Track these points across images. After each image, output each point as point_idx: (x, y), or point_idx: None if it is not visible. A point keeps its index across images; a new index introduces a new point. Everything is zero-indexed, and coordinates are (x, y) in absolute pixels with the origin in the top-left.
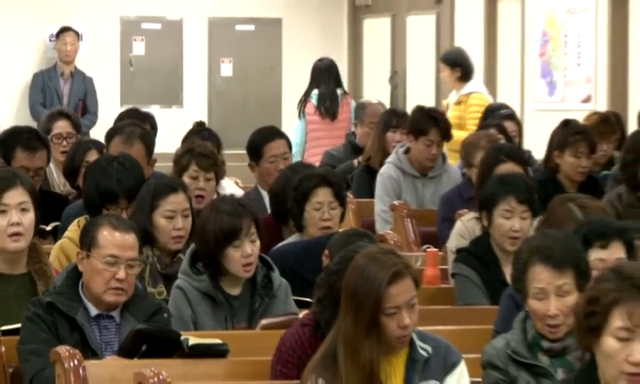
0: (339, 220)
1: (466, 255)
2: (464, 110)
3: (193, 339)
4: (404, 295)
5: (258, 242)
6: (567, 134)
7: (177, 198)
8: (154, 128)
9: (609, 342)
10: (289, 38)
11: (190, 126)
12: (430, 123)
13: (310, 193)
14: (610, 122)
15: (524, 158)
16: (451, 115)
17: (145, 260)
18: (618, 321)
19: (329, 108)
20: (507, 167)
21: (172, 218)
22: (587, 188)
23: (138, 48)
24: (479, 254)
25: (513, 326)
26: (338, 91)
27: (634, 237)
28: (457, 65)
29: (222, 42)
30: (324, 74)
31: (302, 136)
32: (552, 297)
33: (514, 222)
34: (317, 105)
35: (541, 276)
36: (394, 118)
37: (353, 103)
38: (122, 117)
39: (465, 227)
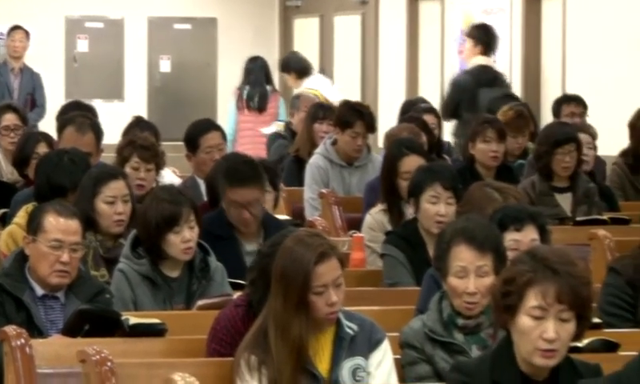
0: (273, 204)
1: (394, 237)
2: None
3: (133, 319)
4: (330, 274)
5: (196, 228)
6: (476, 124)
7: (117, 184)
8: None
9: (524, 320)
10: (224, 37)
11: (130, 120)
12: (356, 116)
13: None
14: (524, 117)
15: (425, 151)
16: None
17: (88, 244)
18: (532, 300)
19: (257, 103)
20: (410, 159)
21: (113, 204)
22: (502, 176)
23: (82, 45)
24: (407, 237)
25: (429, 306)
26: (268, 88)
27: (546, 221)
28: (290, 69)
29: (160, 40)
30: (255, 72)
31: (234, 126)
32: (472, 276)
33: (439, 207)
34: (246, 99)
35: (463, 255)
36: (320, 110)
37: (281, 99)
38: (65, 109)
39: (374, 220)
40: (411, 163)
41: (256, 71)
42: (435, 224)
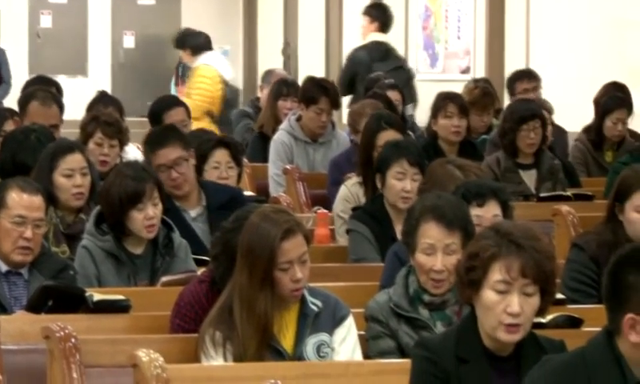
0: (236, 180)
1: (361, 213)
2: (192, 81)
3: (97, 295)
4: (296, 250)
5: (160, 205)
6: (437, 100)
7: (74, 157)
8: (60, 94)
9: (488, 295)
10: (187, 12)
11: (94, 95)
12: (320, 92)
13: (209, 154)
14: (490, 95)
15: (403, 126)
16: (186, 86)
17: (49, 221)
18: (496, 274)
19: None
20: (388, 134)
21: (71, 176)
22: (466, 153)
23: (46, 21)
24: (373, 213)
25: (395, 281)
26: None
27: (508, 197)
28: (185, 45)
29: (124, 16)
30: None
31: None
32: (439, 253)
33: (405, 183)
34: (180, 75)
35: (432, 232)
36: (284, 87)
37: None
38: (29, 84)
39: (349, 192)
40: (389, 137)
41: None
42: (401, 200)
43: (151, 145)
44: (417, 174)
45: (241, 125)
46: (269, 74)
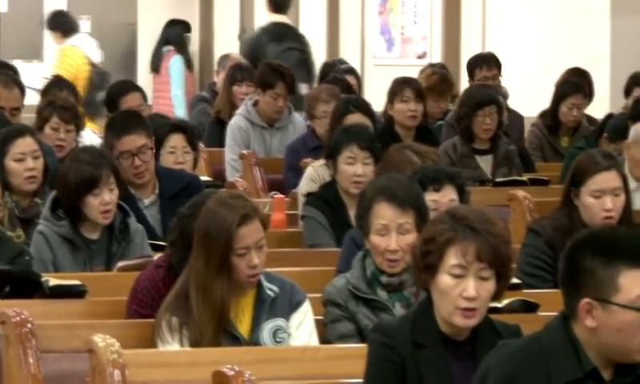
0: (192, 165)
1: (314, 199)
2: (56, 61)
3: (53, 280)
4: (253, 236)
5: (116, 191)
6: (393, 85)
7: (24, 141)
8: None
9: (444, 279)
10: None
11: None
12: (277, 77)
13: (165, 138)
14: (448, 81)
15: (371, 109)
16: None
17: (4, 205)
18: (452, 259)
19: (151, 65)
20: (355, 117)
21: (22, 160)
22: (422, 138)
23: (1, 5)
24: (327, 199)
25: (352, 264)
26: (164, 49)
27: (464, 181)
28: (56, 27)
29: (80, 0)
30: (161, 35)
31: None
32: (393, 233)
33: (356, 168)
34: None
35: (384, 213)
36: (238, 72)
37: (173, 58)
38: None
39: (316, 173)
40: (355, 120)
41: (161, 34)
42: (353, 184)
43: (115, 131)
44: (367, 158)
45: (197, 109)
46: (225, 58)
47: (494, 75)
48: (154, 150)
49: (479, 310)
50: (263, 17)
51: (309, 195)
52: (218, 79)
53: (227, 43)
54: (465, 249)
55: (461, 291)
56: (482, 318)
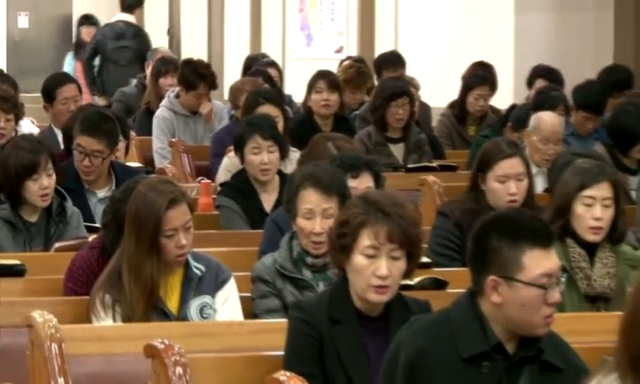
0: (124, 152)
1: (227, 188)
2: None
3: None
4: (180, 218)
5: (54, 176)
6: (311, 79)
7: None
8: None
9: (358, 259)
10: None
11: None
12: (199, 79)
13: None
14: (364, 74)
15: (280, 100)
16: None
17: None
18: (365, 240)
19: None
20: (265, 108)
21: None
22: (340, 127)
23: None
24: (239, 187)
25: (280, 245)
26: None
27: (380, 169)
28: None
29: None
30: None
31: None
32: (318, 217)
33: (262, 156)
34: None
35: (310, 198)
36: (163, 65)
37: (68, 55)
38: None
39: (231, 162)
40: (266, 111)
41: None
42: (260, 172)
43: (82, 126)
44: (271, 146)
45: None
46: (154, 52)
47: (401, 74)
48: (113, 156)
49: (391, 287)
50: (190, 15)
51: (222, 185)
52: (148, 71)
53: (157, 39)
54: (377, 231)
55: (374, 270)
56: (393, 294)
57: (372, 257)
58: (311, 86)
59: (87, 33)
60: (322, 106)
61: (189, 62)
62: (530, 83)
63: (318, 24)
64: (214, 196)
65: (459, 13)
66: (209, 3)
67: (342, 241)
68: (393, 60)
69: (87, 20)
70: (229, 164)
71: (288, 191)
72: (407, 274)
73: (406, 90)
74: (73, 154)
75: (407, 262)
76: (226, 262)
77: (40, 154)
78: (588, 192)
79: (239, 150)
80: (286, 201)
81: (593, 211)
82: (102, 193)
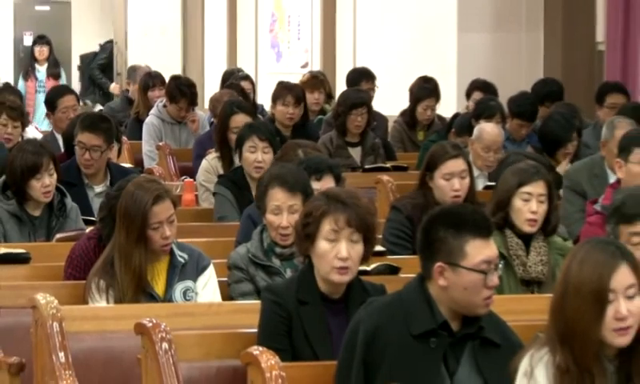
0: (117, 154)
1: (224, 179)
2: None
3: (2, 249)
4: (164, 213)
5: (55, 175)
6: (277, 89)
7: None
8: None
9: (321, 245)
10: (76, 16)
11: None
12: (180, 95)
13: None
14: (318, 78)
15: (252, 110)
16: None
17: None
18: (327, 226)
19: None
20: (239, 117)
21: None
22: (299, 131)
23: None
24: (235, 180)
25: (252, 237)
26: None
27: (341, 171)
28: None
29: (24, 18)
30: None
31: None
32: (285, 213)
33: (257, 155)
34: None
35: (277, 196)
36: (149, 80)
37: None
38: None
39: (209, 164)
40: (239, 120)
41: None
42: (254, 169)
43: (82, 124)
44: (266, 147)
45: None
46: (133, 70)
47: (371, 88)
48: (110, 152)
49: (351, 268)
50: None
51: (220, 176)
52: (131, 88)
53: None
54: (337, 217)
55: (335, 253)
56: (353, 275)
57: (333, 241)
58: (277, 98)
59: (40, 52)
60: (287, 118)
61: (176, 78)
62: (468, 95)
63: (286, 42)
64: (196, 193)
65: (409, 32)
66: (182, 19)
67: (307, 229)
68: (369, 74)
69: (41, 39)
70: (207, 166)
71: (258, 189)
72: (364, 259)
73: (365, 100)
74: (73, 153)
75: (364, 246)
76: (207, 251)
77: (42, 156)
78: (525, 189)
79: (238, 148)
80: (257, 198)
81: (529, 205)
82: (99, 188)
